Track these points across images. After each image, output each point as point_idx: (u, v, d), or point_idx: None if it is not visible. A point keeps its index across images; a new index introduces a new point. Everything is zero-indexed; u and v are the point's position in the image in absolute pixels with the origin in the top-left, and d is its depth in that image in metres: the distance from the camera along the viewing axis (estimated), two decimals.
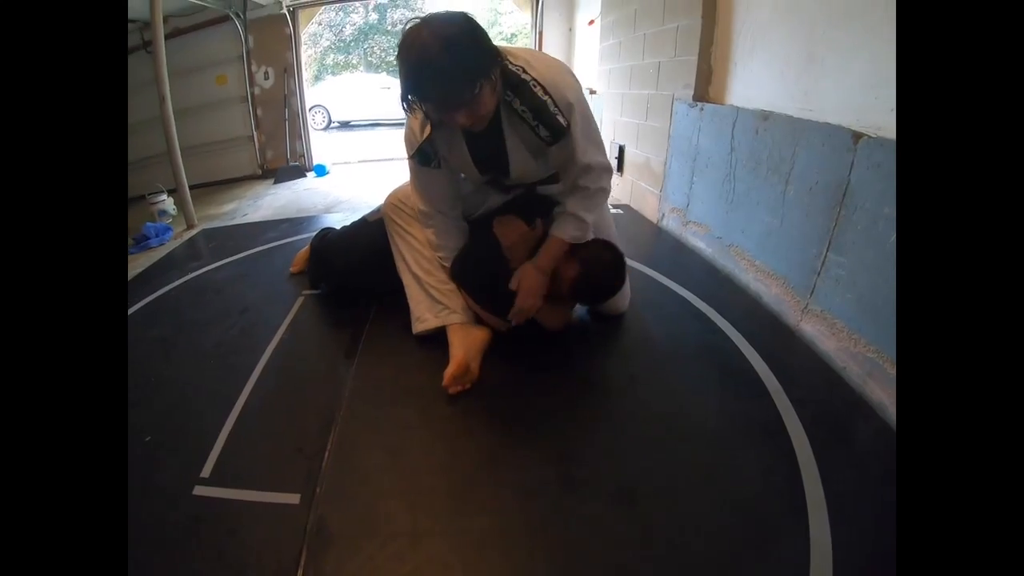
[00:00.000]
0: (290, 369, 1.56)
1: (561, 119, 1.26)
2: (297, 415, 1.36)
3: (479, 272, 1.59)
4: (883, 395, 1.41)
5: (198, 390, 1.47)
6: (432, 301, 1.58)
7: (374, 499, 1.10)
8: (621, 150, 3.70)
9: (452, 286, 1.60)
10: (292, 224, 3.13)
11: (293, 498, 1.09)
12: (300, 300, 1.98)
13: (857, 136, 1.51)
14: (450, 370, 1.40)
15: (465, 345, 1.48)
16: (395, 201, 1.66)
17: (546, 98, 1.23)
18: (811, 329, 1.74)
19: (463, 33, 1.10)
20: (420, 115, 1.25)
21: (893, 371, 1.40)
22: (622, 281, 1.68)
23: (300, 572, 0.95)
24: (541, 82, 1.23)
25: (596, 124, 1.42)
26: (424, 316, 1.59)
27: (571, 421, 1.34)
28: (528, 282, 1.50)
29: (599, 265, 1.57)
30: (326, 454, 1.21)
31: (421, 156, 1.38)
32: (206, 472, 1.16)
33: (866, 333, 1.52)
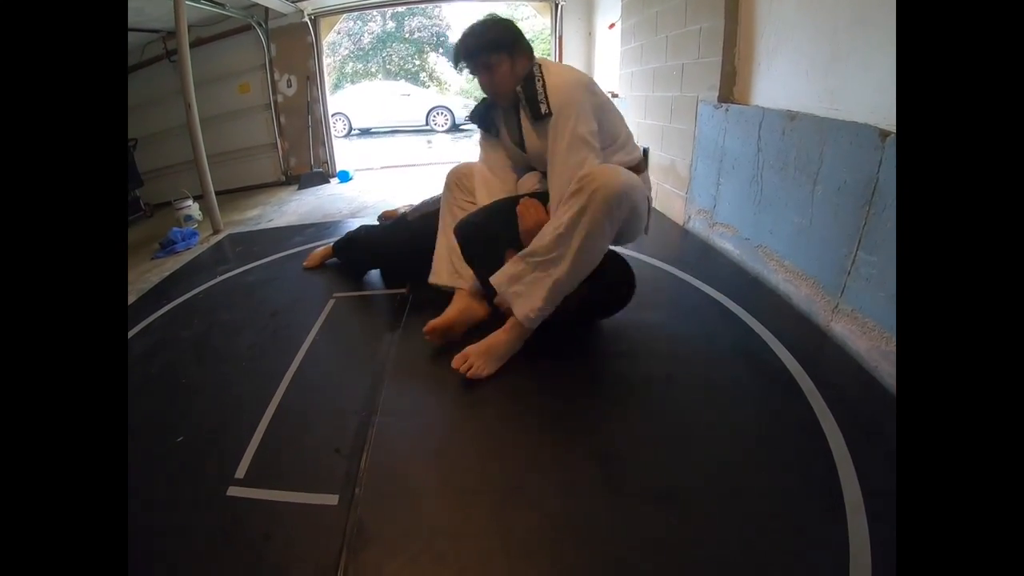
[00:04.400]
0: (324, 370, 1.57)
1: (543, 107, 1.51)
2: (333, 415, 1.37)
3: (487, 248, 1.68)
4: None
5: (231, 391, 1.49)
6: (450, 265, 1.78)
7: (414, 499, 1.10)
8: (645, 152, 3.67)
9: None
10: (318, 228, 3.17)
11: (331, 499, 1.09)
12: (331, 303, 2.00)
13: (884, 134, 1.49)
14: (434, 321, 1.59)
15: (459, 310, 1.67)
16: (458, 175, 1.84)
17: (541, 90, 1.52)
18: (842, 329, 1.72)
19: (499, 22, 1.60)
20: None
21: None
22: (626, 297, 1.72)
23: (340, 574, 0.95)
24: (545, 81, 1.53)
25: (590, 129, 1.52)
26: (440, 272, 1.80)
27: (610, 420, 1.34)
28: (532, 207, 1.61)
29: (604, 287, 1.64)
30: (364, 454, 1.22)
31: (481, 123, 1.73)
32: (240, 473, 1.17)
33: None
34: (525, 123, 1.61)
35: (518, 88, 1.56)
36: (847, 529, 1.02)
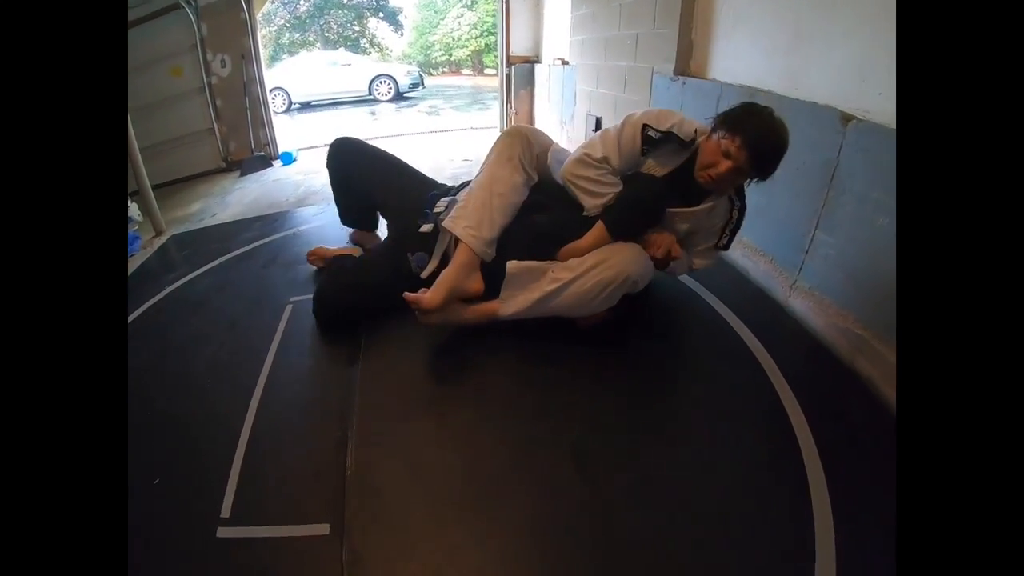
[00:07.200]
0: (292, 387, 1.52)
1: (727, 240, 1.62)
2: (309, 437, 1.33)
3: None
4: (872, 370, 1.47)
5: (199, 420, 1.41)
6: (478, 218, 1.56)
7: (404, 517, 1.10)
8: (598, 122, 3.67)
9: (504, 221, 1.60)
10: (266, 222, 3.02)
11: (323, 528, 1.07)
12: (289, 308, 1.92)
13: (847, 118, 1.52)
14: (421, 298, 1.47)
15: (450, 281, 1.52)
16: (526, 132, 1.66)
17: (735, 224, 1.59)
18: (800, 305, 1.78)
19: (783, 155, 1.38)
20: (717, 139, 1.40)
21: (881, 347, 1.45)
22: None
23: None
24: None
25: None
26: (458, 219, 1.57)
27: (583, 416, 1.37)
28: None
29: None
30: (347, 476, 1.20)
31: (648, 138, 1.50)
32: (225, 511, 1.12)
33: (855, 310, 1.56)
34: (698, 219, 1.57)
35: (732, 199, 1.57)
36: (811, 506, 1.10)
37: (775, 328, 1.74)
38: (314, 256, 2.22)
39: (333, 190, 2.18)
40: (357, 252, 2.20)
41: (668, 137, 1.48)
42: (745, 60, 2.12)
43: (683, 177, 1.50)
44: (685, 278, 2.01)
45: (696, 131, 1.49)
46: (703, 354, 1.66)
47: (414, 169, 2.05)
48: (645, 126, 1.49)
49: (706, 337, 1.73)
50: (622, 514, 1.10)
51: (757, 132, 1.34)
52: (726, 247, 1.63)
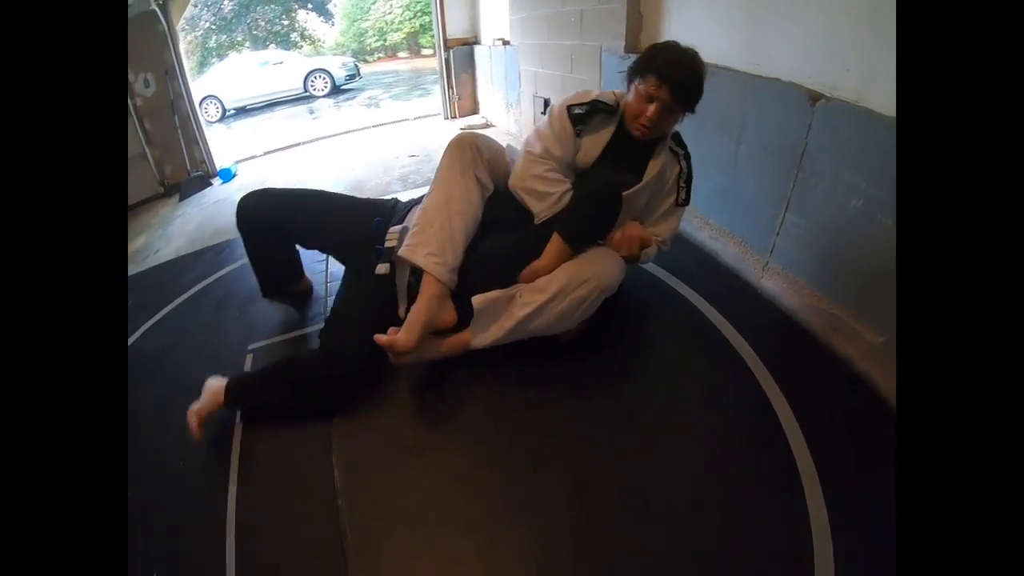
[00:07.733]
0: (269, 456, 1.40)
1: (683, 194, 1.57)
2: (297, 510, 1.24)
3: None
4: (850, 348, 1.47)
5: (181, 501, 1.30)
6: (440, 243, 1.42)
7: None
8: (546, 103, 3.57)
9: (466, 242, 1.47)
10: (214, 254, 2.84)
11: None
12: (249, 357, 1.79)
13: (815, 97, 1.46)
14: (401, 336, 1.34)
15: (423, 316, 1.38)
16: (473, 139, 1.51)
17: (686, 173, 1.56)
18: (773, 286, 1.76)
19: (704, 76, 1.38)
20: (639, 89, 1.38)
21: (857, 325, 1.44)
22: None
23: None
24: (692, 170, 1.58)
25: None
26: (416, 247, 1.43)
27: (571, 436, 1.35)
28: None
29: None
30: (345, 546, 1.13)
31: (577, 116, 1.47)
32: None
33: (829, 291, 1.55)
34: (642, 186, 1.49)
35: (674, 150, 1.54)
36: (804, 493, 1.13)
37: (749, 309, 1.74)
38: (199, 418, 1.43)
39: (250, 259, 1.86)
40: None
41: (594, 107, 1.47)
42: (699, 35, 2.02)
43: (622, 141, 1.48)
44: (651, 266, 1.95)
45: (615, 94, 1.50)
46: (680, 344, 1.65)
47: (345, 196, 1.86)
48: (570, 107, 1.48)
49: (681, 327, 1.71)
50: (620, 531, 1.11)
51: (668, 64, 1.34)
52: (686, 201, 1.58)
